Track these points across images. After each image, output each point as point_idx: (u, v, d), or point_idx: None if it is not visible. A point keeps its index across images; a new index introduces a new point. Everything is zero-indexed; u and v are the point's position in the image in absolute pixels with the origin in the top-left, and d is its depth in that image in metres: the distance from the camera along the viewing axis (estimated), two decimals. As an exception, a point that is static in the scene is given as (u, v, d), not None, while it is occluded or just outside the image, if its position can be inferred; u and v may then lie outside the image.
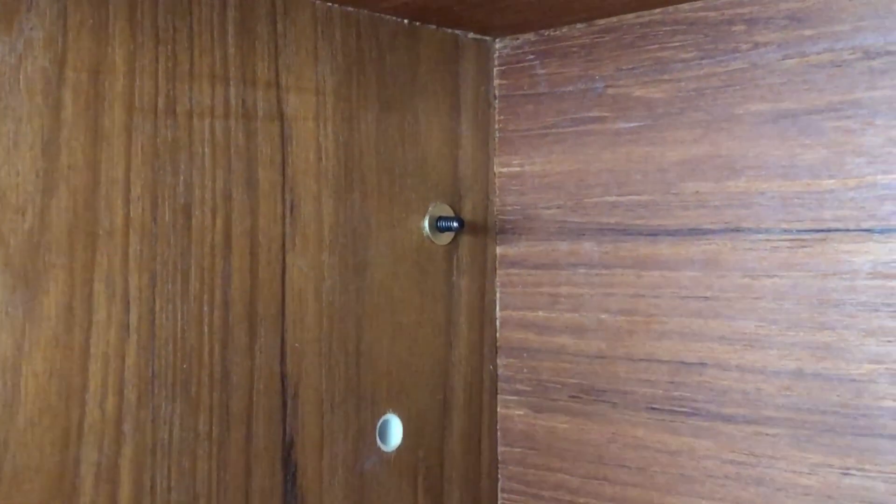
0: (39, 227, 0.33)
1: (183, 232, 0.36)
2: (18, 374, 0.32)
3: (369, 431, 0.42)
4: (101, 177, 0.34)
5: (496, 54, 0.48)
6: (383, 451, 0.42)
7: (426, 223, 0.44)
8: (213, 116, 0.37)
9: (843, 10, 0.37)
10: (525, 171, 0.47)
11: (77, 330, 0.33)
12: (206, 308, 0.37)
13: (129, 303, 0.35)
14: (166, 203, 0.36)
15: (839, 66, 0.37)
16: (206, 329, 0.37)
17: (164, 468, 0.36)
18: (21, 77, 0.32)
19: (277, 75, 0.39)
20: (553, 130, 0.46)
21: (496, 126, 0.48)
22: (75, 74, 0.33)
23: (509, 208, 0.47)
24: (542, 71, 0.46)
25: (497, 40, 0.48)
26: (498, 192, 0.48)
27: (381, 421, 0.42)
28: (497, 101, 0.48)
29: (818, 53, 0.38)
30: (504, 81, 0.48)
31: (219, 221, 0.37)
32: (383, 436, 0.43)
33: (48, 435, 0.33)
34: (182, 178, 0.36)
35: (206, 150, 0.37)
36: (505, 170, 0.47)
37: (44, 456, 0.33)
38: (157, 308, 0.35)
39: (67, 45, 0.33)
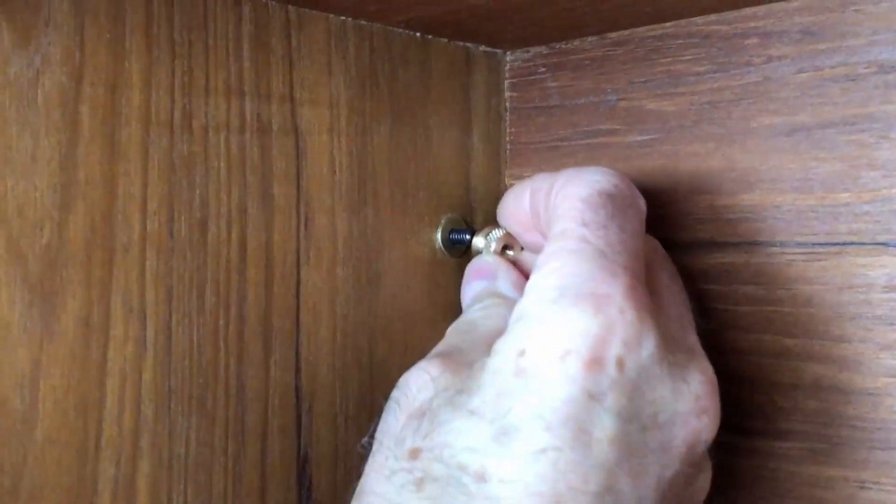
0: (57, 243, 0.32)
1: (199, 246, 0.36)
2: (36, 390, 0.32)
3: (383, 445, 0.42)
4: (118, 191, 0.34)
5: (507, 67, 0.48)
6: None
7: (439, 236, 0.44)
8: (228, 131, 0.37)
9: (857, 24, 0.37)
10: (536, 183, 0.47)
11: (94, 345, 0.33)
12: (221, 322, 0.37)
13: (145, 318, 0.35)
14: (182, 217, 0.36)
15: (853, 79, 0.37)
16: (221, 343, 0.37)
17: (181, 483, 0.35)
18: (39, 92, 0.32)
19: (292, 89, 0.39)
20: (564, 143, 0.46)
21: (507, 138, 0.48)
22: (92, 89, 0.33)
23: (520, 221, 0.47)
24: (554, 84, 0.46)
25: (508, 53, 0.48)
26: (509, 204, 0.47)
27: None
28: (508, 113, 0.48)
29: (832, 67, 0.38)
30: (515, 94, 0.48)
31: (234, 235, 0.37)
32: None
33: (66, 451, 0.33)
34: (198, 192, 0.36)
35: (222, 164, 0.37)
36: (516, 182, 0.47)
37: (61, 472, 0.33)
38: (174, 323, 0.35)
39: (85, 60, 0.33)
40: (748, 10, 0.40)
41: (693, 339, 0.34)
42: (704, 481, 0.35)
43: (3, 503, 0.31)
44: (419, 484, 0.31)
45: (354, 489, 0.35)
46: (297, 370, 0.39)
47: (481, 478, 0.30)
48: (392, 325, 0.42)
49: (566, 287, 0.32)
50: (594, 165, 0.43)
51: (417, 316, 0.43)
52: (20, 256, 0.32)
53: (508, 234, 0.43)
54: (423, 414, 0.33)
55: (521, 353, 0.31)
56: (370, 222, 0.42)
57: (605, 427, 0.30)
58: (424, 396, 0.34)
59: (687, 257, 0.41)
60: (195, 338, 0.36)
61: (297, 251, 0.39)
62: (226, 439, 0.37)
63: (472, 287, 0.42)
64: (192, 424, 0.36)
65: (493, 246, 0.43)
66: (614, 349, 0.30)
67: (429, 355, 0.36)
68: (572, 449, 0.29)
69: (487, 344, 0.33)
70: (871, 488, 0.37)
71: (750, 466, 0.39)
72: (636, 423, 0.31)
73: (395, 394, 0.35)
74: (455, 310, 0.45)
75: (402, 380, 0.35)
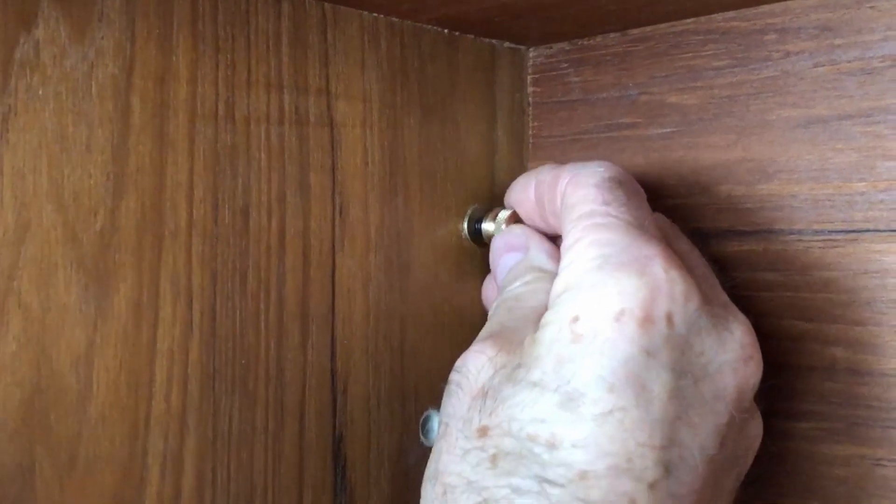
0: (110, 228, 0.34)
1: (241, 233, 0.38)
2: (91, 369, 0.34)
3: (413, 426, 0.43)
4: (166, 180, 0.35)
5: (530, 63, 0.49)
6: (425, 446, 0.44)
7: (465, 225, 0.46)
8: (268, 122, 0.38)
9: (872, 20, 0.39)
10: (559, 175, 0.48)
11: (145, 326, 0.35)
12: (262, 306, 0.38)
13: (192, 301, 0.36)
14: (226, 205, 0.37)
15: (869, 73, 0.39)
16: (262, 326, 0.38)
17: (225, 459, 0.37)
18: (93, 84, 0.34)
19: (328, 83, 0.41)
20: (586, 136, 0.47)
21: (530, 132, 0.49)
22: (142, 82, 0.35)
23: (543, 212, 0.49)
24: (576, 79, 0.48)
25: (531, 49, 0.49)
26: (532, 196, 0.49)
27: (422, 416, 0.44)
28: (531, 107, 0.49)
29: (849, 62, 0.39)
30: (538, 89, 0.49)
31: (274, 223, 0.39)
32: (424, 430, 0.44)
33: (118, 426, 0.34)
34: (240, 181, 0.38)
35: (263, 154, 0.38)
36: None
37: (114, 447, 0.34)
38: (218, 306, 0.37)
39: (135, 54, 0.35)
40: (766, 7, 0.41)
41: (723, 295, 0.36)
42: (757, 428, 0.36)
43: (60, 476, 0.33)
44: (493, 460, 0.32)
45: (386, 469, 0.37)
46: (333, 353, 0.40)
47: (552, 445, 0.31)
48: (421, 311, 0.44)
49: (608, 255, 0.33)
50: (616, 158, 0.45)
51: (445, 302, 0.45)
52: (76, 241, 0.33)
53: (515, 213, 0.45)
54: (485, 393, 0.34)
55: (575, 320, 0.32)
56: (400, 211, 0.43)
57: (662, 382, 0.31)
58: (484, 377, 0.35)
59: (707, 245, 0.42)
60: (238, 321, 0.37)
61: (333, 239, 0.41)
62: (266, 418, 0.38)
63: (504, 261, 0.42)
64: (235, 403, 0.37)
65: (503, 226, 0.45)
66: (663, 306, 0.32)
67: (480, 336, 0.37)
68: (636, 407, 0.31)
69: (534, 320, 0.35)
70: (886, 465, 0.38)
71: (768, 445, 0.41)
72: (690, 375, 0.32)
73: (454, 377, 0.36)
74: (479, 297, 0.46)
75: (459, 363, 0.36)
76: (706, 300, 0.33)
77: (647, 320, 0.32)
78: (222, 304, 0.37)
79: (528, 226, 0.43)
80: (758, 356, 0.34)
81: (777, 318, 0.41)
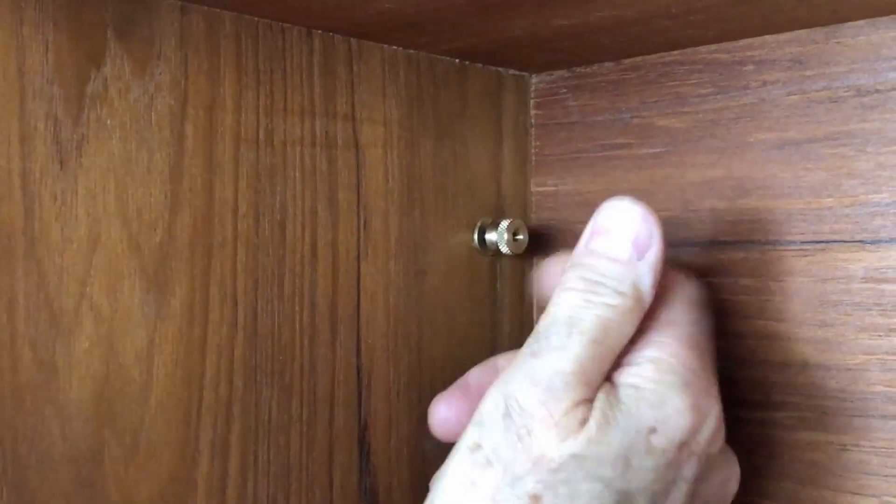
0: (167, 240, 0.39)
1: (279, 244, 0.42)
2: (151, 364, 0.38)
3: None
4: (215, 198, 0.40)
5: (533, 88, 0.54)
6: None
7: (475, 236, 0.51)
8: (302, 146, 0.43)
9: (839, 53, 0.43)
10: (559, 190, 0.53)
11: (197, 327, 0.40)
12: (297, 308, 0.43)
13: (237, 304, 0.41)
14: (266, 220, 0.42)
15: (835, 101, 0.44)
16: (297, 326, 0.43)
17: (265, 444, 0.42)
18: (153, 114, 0.39)
19: (353, 109, 0.45)
20: (584, 155, 0.52)
21: (533, 151, 0.54)
22: (195, 111, 0.40)
23: (545, 224, 0.53)
24: (574, 103, 0.53)
25: (534, 76, 0.54)
26: (535, 209, 0.54)
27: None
28: (533, 129, 0.54)
29: (817, 91, 0.44)
30: (540, 112, 0.54)
31: (307, 235, 0.43)
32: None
33: (174, 415, 0.39)
34: (278, 198, 0.42)
35: (297, 174, 0.43)
36: (541, 189, 0.54)
37: (171, 432, 0.39)
38: (259, 308, 0.42)
39: (188, 86, 0.40)
40: (745, 41, 0.46)
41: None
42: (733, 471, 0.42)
43: (125, 457, 0.38)
44: None
45: (405, 455, 0.41)
46: (358, 350, 0.45)
47: None
48: (436, 313, 0.49)
49: (687, 379, 0.37)
50: (610, 175, 0.49)
51: (457, 305, 0.50)
52: (138, 251, 0.38)
53: (515, 221, 0.50)
54: (549, 467, 0.34)
55: (653, 431, 0.36)
56: (417, 224, 0.48)
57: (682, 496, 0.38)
58: (551, 450, 0.34)
59: (692, 254, 0.47)
60: (276, 321, 0.42)
61: (358, 248, 0.45)
62: (301, 408, 0.43)
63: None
64: (274, 395, 0.42)
65: (506, 235, 0.50)
66: (704, 442, 0.37)
67: (548, 376, 0.36)
68: None
69: (612, 360, 0.37)
70: (851, 450, 0.43)
71: (749, 434, 0.46)
72: (699, 501, 0.39)
73: (518, 419, 0.35)
74: (488, 301, 0.51)
75: (526, 404, 0.35)
76: (721, 439, 0.39)
77: (696, 454, 0.37)
78: (263, 307, 0.42)
79: None
80: (734, 493, 0.41)
81: (755, 319, 0.45)
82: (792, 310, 0.44)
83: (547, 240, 0.53)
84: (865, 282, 0.43)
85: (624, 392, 0.36)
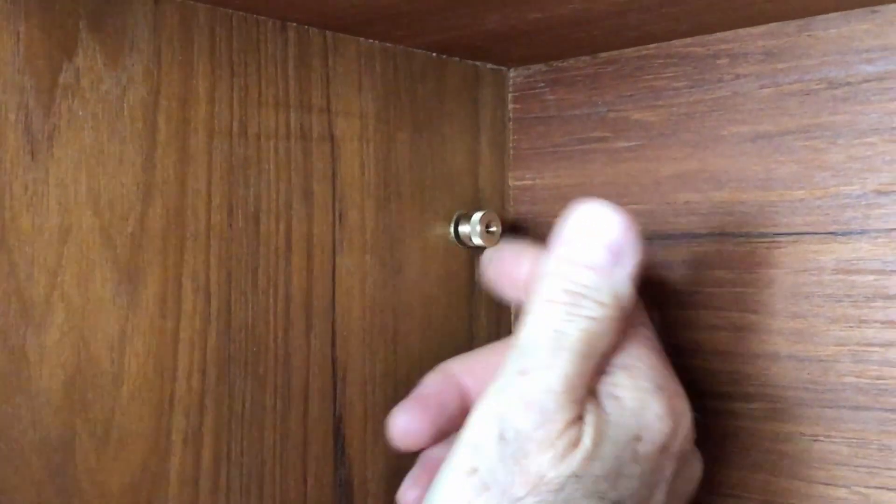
0: (140, 231, 0.39)
1: (253, 236, 0.42)
2: (123, 355, 0.38)
3: (405, 410, 0.48)
4: (188, 189, 0.40)
5: (510, 82, 0.55)
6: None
7: (451, 229, 0.51)
8: (276, 138, 0.43)
9: (810, 46, 0.44)
10: (536, 184, 0.53)
11: (169, 318, 0.40)
12: (271, 300, 0.43)
13: (210, 296, 0.41)
14: (240, 212, 0.42)
15: (808, 94, 0.44)
16: (271, 318, 0.43)
17: (239, 436, 0.42)
18: (125, 105, 0.39)
19: (329, 102, 0.46)
20: (561, 149, 0.52)
21: (510, 145, 0.54)
22: (167, 103, 0.40)
23: (523, 217, 0.54)
24: (552, 97, 0.53)
25: (511, 70, 0.54)
26: (513, 202, 0.54)
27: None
28: (511, 123, 0.54)
29: (790, 83, 0.44)
30: (517, 106, 0.54)
31: (282, 227, 0.43)
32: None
33: (146, 406, 0.39)
34: (252, 190, 0.42)
35: (272, 166, 0.43)
36: (519, 183, 0.54)
37: (143, 423, 0.39)
38: (233, 300, 0.42)
39: (161, 78, 0.40)
40: (719, 35, 0.46)
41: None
42: (698, 469, 0.43)
43: (97, 447, 0.38)
44: None
45: (381, 447, 0.41)
46: (333, 343, 0.45)
47: None
48: (412, 306, 0.49)
49: (659, 383, 0.38)
50: (587, 168, 0.50)
51: (434, 298, 0.50)
52: (110, 242, 0.38)
53: (488, 213, 0.50)
54: (547, 489, 0.35)
55: (638, 439, 0.37)
56: (393, 217, 0.48)
57: (663, 496, 0.39)
58: (548, 472, 0.35)
59: (668, 247, 0.48)
60: (250, 313, 0.42)
61: (333, 241, 0.45)
62: (275, 400, 0.43)
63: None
64: (248, 386, 0.42)
65: (479, 227, 0.50)
66: (679, 442, 0.39)
67: (557, 404, 0.36)
68: None
69: (598, 369, 0.38)
70: (822, 441, 0.43)
71: (722, 425, 0.46)
72: (676, 497, 0.40)
73: (514, 443, 0.35)
74: (465, 294, 0.51)
75: (523, 429, 0.35)
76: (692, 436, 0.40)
77: (674, 455, 0.38)
78: (236, 299, 0.42)
79: (510, 296, 0.45)
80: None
81: (728, 311, 0.46)
82: (765, 301, 0.45)
83: (525, 233, 0.53)
84: (837, 273, 0.43)
85: (607, 403, 0.37)
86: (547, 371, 0.36)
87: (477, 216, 0.50)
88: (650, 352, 0.39)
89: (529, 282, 0.39)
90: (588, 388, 0.37)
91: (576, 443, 0.35)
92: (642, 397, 0.37)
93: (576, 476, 0.35)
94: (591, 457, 0.35)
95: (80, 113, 0.37)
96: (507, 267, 0.43)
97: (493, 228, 0.51)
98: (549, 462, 0.35)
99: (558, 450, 0.35)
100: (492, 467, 0.35)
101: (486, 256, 0.46)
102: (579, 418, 0.36)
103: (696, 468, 0.42)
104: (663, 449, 0.37)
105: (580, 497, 0.35)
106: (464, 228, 0.51)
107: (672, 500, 0.40)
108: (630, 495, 0.36)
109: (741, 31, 0.46)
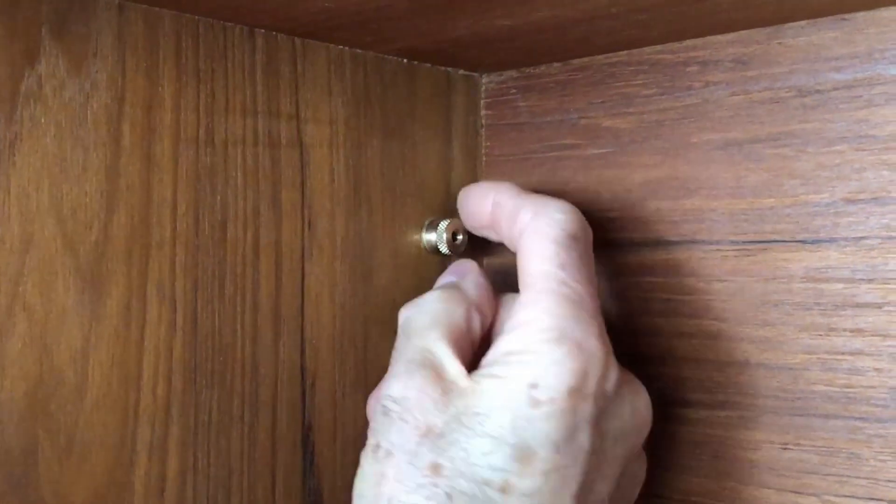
0: (103, 239, 0.38)
1: (220, 244, 0.42)
2: (87, 364, 0.38)
3: (375, 418, 0.48)
4: (153, 197, 0.40)
5: (483, 88, 0.54)
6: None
7: (423, 236, 0.51)
8: (244, 145, 0.43)
9: (780, 55, 0.44)
10: (509, 190, 0.53)
11: (134, 327, 0.39)
12: (238, 309, 0.43)
13: (175, 304, 0.41)
14: (206, 219, 0.42)
15: (777, 102, 0.44)
16: (238, 327, 0.43)
17: (205, 446, 0.41)
18: (88, 112, 0.38)
19: (298, 109, 0.45)
20: (533, 155, 0.52)
21: (483, 151, 0.54)
22: (132, 110, 0.39)
23: (495, 224, 0.53)
24: (524, 104, 0.53)
25: (484, 76, 0.54)
26: (485, 209, 0.54)
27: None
28: (483, 129, 0.54)
29: (759, 91, 0.44)
30: (490, 112, 0.54)
31: (249, 235, 0.43)
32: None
33: (110, 416, 0.39)
34: (219, 197, 0.42)
35: (239, 173, 0.43)
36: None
37: (107, 433, 0.38)
38: (199, 309, 0.41)
39: (126, 85, 0.39)
40: (689, 42, 0.46)
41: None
42: (642, 469, 0.44)
43: (59, 457, 0.37)
44: (449, 497, 0.36)
45: (350, 456, 0.41)
46: (302, 351, 0.45)
47: (504, 491, 0.36)
48: (383, 313, 0.49)
49: (562, 329, 0.39)
50: (559, 175, 0.50)
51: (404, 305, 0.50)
52: (73, 250, 0.38)
53: (454, 222, 0.50)
54: (436, 434, 0.37)
55: (534, 386, 0.38)
56: (364, 224, 0.48)
57: (593, 445, 0.38)
58: (433, 419, 0.38)
59: (638, 254, 0.47)
60: (217, 322, 0.42)
61: (302, 249, 0.45)
62: (242, 409, 0.43)
63: (441, 280, 0.48)
64: (214, 396, 0.42)
65: (445, 235, 0.50)
66: (602, 383, 0.39)
67: (413, 365, 0.40)
68: (573, 465, 0.37)
69: (454, 343, 0.41)
70: (792, 449, 0.43)
71: (692, 433, 0.46)
72: (611, 438, 0.39)
73: (394, 407, 0.39)
74: (437, 301, 0.51)
75: (397, 393, 0.39)
76: (622, 376, 0.40)
77: (590, 396, 0.38)
78: (203, 307, 0.41)
79: (482, 234, 0.49)
80: (650, 420, 0.42)
81: (698, 319, 0.46)
82: (734, 309, 0.45)
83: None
84: (806, 281, 0.43)
85: (497, 358, 0.40)
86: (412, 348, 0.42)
87: (443, 224, 0.50)
88: (557, 301, 0.40)
89: (493, 220, 0.46)
90: (466, 351, 0.41)
91: (455, 393, 0.39)
92: (538, 347, 0.39)
93: (457, 417, 0.38)
94: (472, 400, 0.38)
95: (43, 120, 0.37)
96: (472, 206, 0.48)
97: (460, 237, 0.50)
98: (430, 412, 0.38)
99: (437, 401, 0.38)
100: (388, 436, 0.39)
101: (460, 195, 0.50)
102: (460, 376, 0.40)
103: (636, 404, 0.42)
104: (571, 392, 0.38)
105: (468, 437, 0.37)
106: (429, 236, 0.50)
107: (617, 496, 0.40)
108: (539, 438, 0.37)
109: (711, 39, 0.46)
